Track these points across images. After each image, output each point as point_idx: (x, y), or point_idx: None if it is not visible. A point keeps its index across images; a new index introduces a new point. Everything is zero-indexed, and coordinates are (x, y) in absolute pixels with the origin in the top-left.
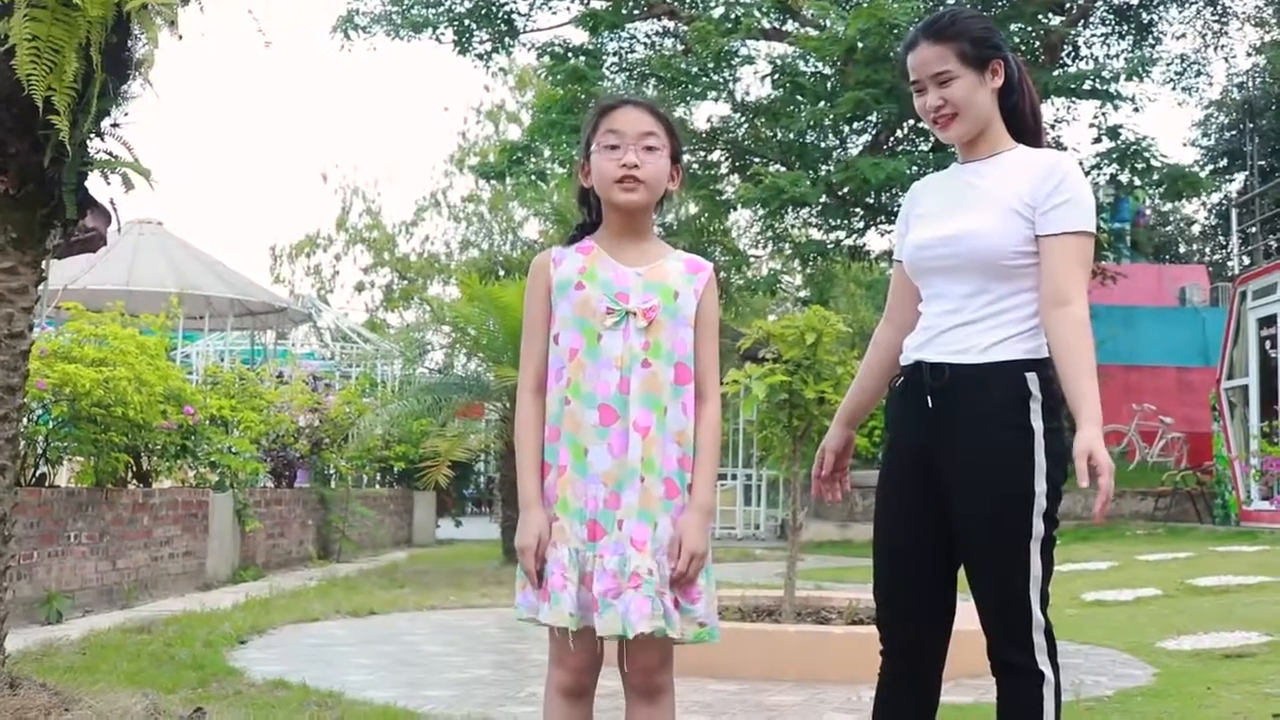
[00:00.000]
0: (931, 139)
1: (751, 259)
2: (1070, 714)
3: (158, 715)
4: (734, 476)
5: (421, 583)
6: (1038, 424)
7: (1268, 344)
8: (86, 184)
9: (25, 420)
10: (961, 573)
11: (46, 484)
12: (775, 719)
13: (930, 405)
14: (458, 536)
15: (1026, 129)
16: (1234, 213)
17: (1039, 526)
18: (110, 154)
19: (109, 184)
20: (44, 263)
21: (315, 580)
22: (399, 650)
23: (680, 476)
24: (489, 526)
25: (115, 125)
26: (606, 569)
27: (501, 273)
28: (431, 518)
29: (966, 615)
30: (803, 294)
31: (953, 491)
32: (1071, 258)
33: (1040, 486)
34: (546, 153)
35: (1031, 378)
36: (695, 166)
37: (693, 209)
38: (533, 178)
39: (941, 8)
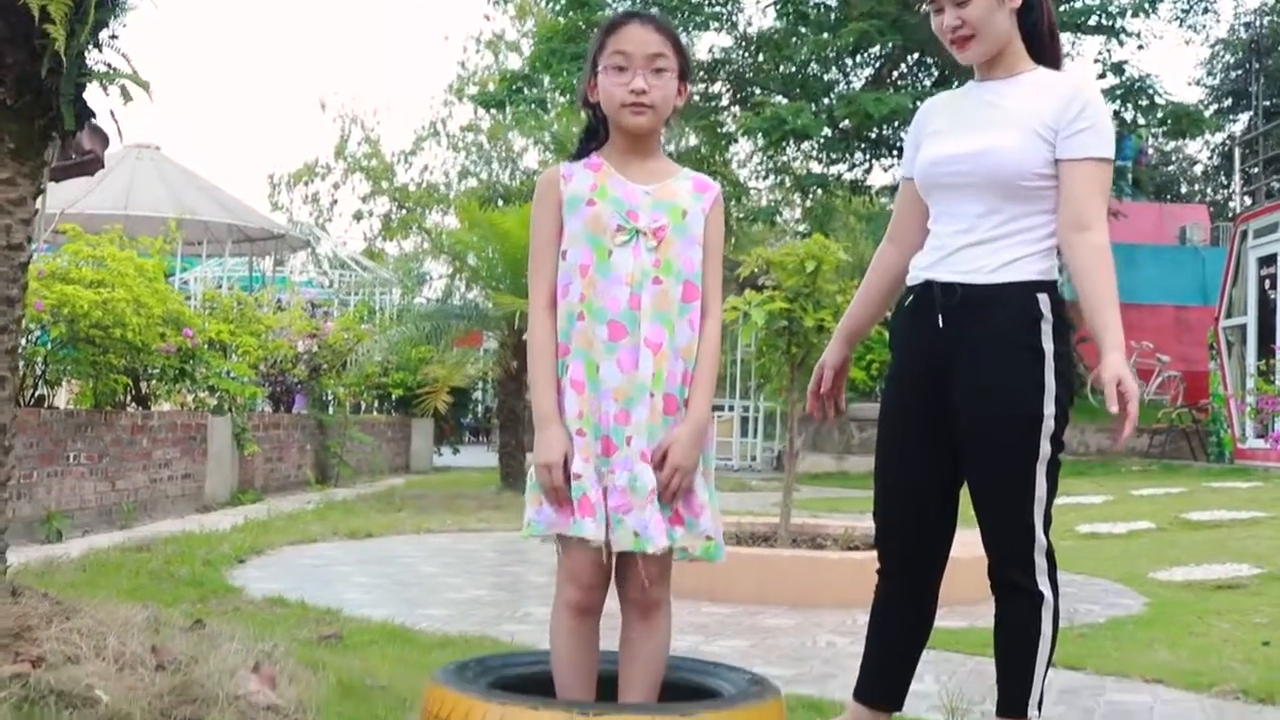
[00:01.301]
0: (935, 74)
1: (751, 190)
2: (1062, 640)
3: (158, 626)
4: (731, 408)
5: (419, 507)
6: (1048, 346)
7: (1267, 283)
8: (85, 96)
9: (24, 341)
10: (965, 496)
11: (45, 405)
12: (769, 640)
13: (941, 324)
14: (455, 464)
15: (1044, 49)
16: (1237, 152)
17: (1045, 448)
18: (109, 65)
19: (108, 95)
20: (42, 176)
21: (313, 504)
22: (396, 571)
23: (681, 392)
24: (487, 455)
25: (114, 37)
26: (617, 485)
27: (501, 202)
28: (429, 445)
29: (962, 543)
30: (801, 228)
31: (960, 411)
32: (1093, 183)
33: (1049, 409)
34: (547, 82)
35: (1043, 299)
36: (696, 98)
37: (693, 140)
38: (533, 107)
39: None
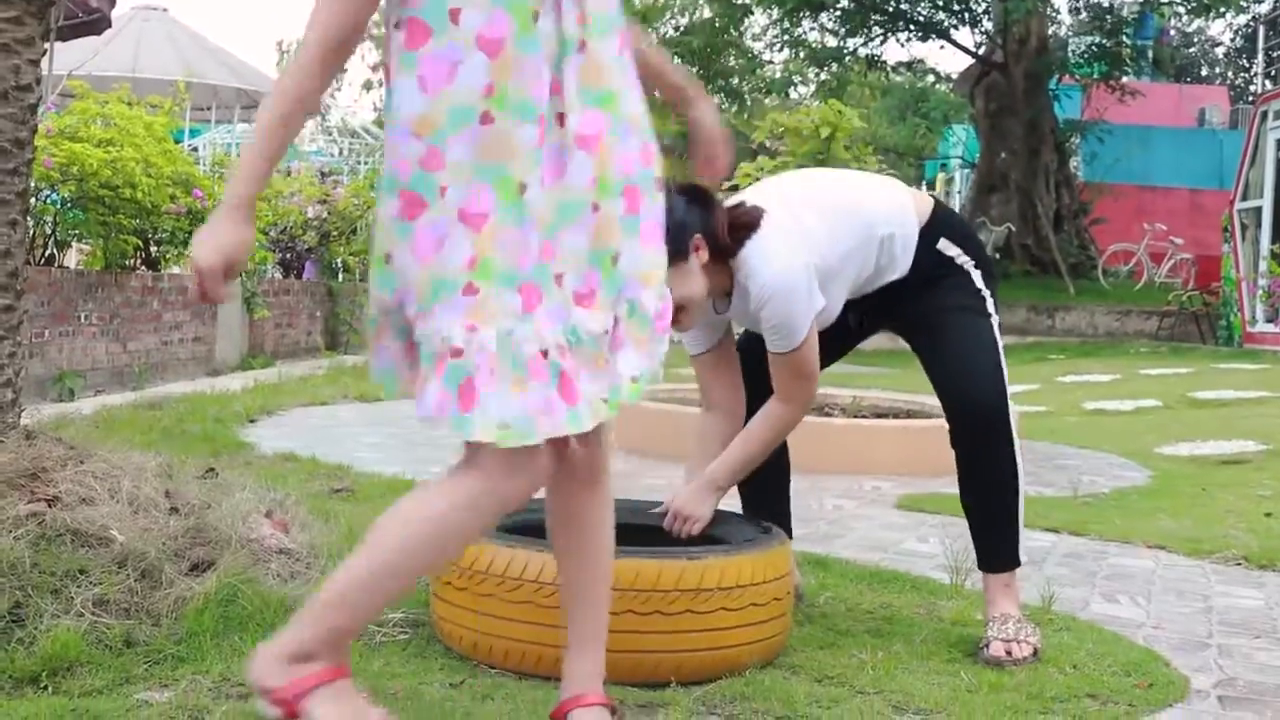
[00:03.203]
0: None
1: (766, 64)
2: (1066, 507)
3: (171, 472)
4: None
5: None
6: (966, 261)
7: None
8: None
9: (33, 199)
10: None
11: (56, 266)
12: None
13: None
14: None
15: (726, 248)
16: (1261, 31)
17: (991, 307)
18: None
19: None
20: (49, 15)
21: (323, 369)
22: (406, 432)
23: (645, 177)
24: None
25: None
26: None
27: None
28: None
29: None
30: (814, 104)
31: (903, 326)
32: (783, 372)
33: (985, 291)
34: None
35: (944, 244)
36: None
37: (707, 13)
38: None
39: None
